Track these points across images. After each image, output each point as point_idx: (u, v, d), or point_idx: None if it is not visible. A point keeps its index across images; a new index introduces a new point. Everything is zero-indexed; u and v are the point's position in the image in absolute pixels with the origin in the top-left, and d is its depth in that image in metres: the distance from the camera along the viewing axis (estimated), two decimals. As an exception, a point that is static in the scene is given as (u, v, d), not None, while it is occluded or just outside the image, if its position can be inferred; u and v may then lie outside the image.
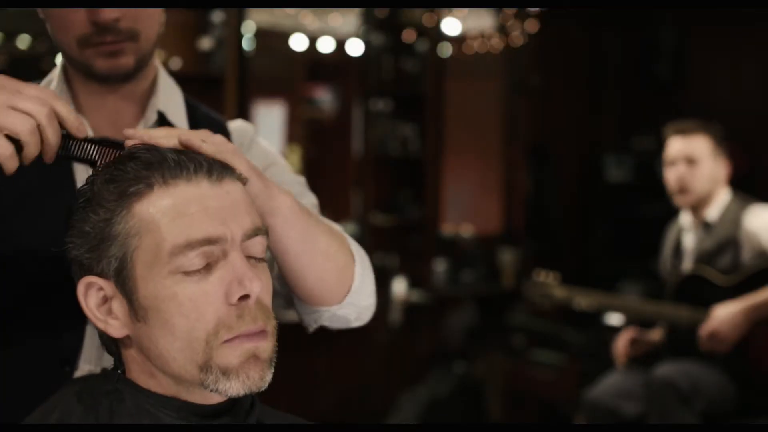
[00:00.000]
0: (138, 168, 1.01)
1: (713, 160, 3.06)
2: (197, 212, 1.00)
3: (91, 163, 1.14)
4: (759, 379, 2.95)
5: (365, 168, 4.63)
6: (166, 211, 1.00)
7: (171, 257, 0.99)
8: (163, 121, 1.41)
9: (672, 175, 3.07)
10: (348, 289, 1.30)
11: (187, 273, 1.00)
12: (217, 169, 1.04)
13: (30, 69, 3.56)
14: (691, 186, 3.04)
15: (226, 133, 1.45)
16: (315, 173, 5.10)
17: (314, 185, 5.18)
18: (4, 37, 3.53)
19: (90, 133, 1.29)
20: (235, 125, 1.50)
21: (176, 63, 3.80)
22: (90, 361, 1.31)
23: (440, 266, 4.84)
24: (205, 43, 3.91)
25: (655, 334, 3.19)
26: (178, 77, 3.97)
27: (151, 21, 1.34)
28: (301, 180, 1.49)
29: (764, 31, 5.12)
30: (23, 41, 3.54)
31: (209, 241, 1.00)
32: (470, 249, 5.05)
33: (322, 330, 4.14)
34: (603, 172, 5.47)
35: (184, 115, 1.44)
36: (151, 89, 1.42)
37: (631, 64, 5.60)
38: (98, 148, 1.14)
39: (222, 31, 3.90)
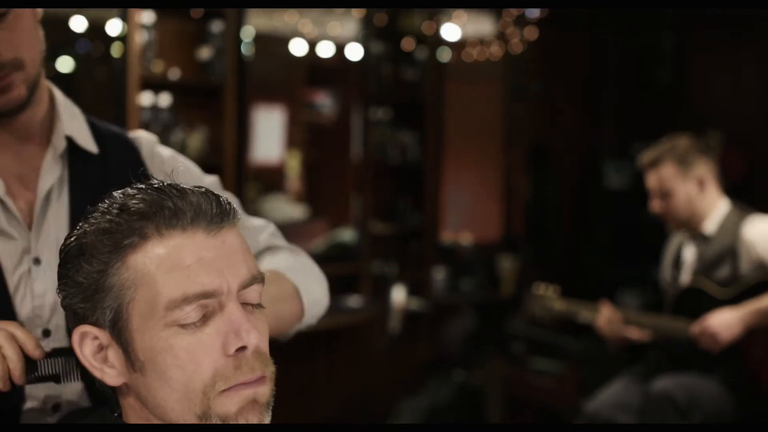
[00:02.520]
0: (132, 219, 1.01)
1: (683, 182, 3.06)
2: (193, 264, 1.00)
3: (56, 378, 1.16)
4: (757, 392, 2.95)
5: (365, 173, 4.62)
6: (161, 263, 1.00)
7: (167, 311, 0.99)
8: (72, 146, 1.36)
9: (654, 208, 3.12)
10: (298, 322, 1.40)
11: (184, 325, 1.00)
12: (217, 218, 1.03)
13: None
14: (672, 215, 3.10)
15: (131, 147, 1.41)
16: (315, 178, 5.10)
17: (314, 190, 5.12)
18: None
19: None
20: (139, 134, 1.45)
21: (175, 73, 3.80)
22: None
23: (439, 274, 4.84)
24: (204, 52, 3.91)
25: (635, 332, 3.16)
26: (178, 87, 3.94)
27: (32, 43, 1.29)
28: (214, 180, 1.48)
29: (764, 35, 5.11)
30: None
31: (205, 295, 1.00)
32: (469, 256, 5.05)
33: (322, 338, 4.27)
34: (603, 177, 5.47)
35: (90, 136, 1.38)
36: (51, 113, 1.36)
37: (631, 68, 5.60)
38: (62, 361, 1.16)
39: (221, 40, 3.89)
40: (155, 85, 3.72)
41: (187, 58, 3.90)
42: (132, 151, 1.40)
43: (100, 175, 1.35)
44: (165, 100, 3.76)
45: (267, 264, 1.40)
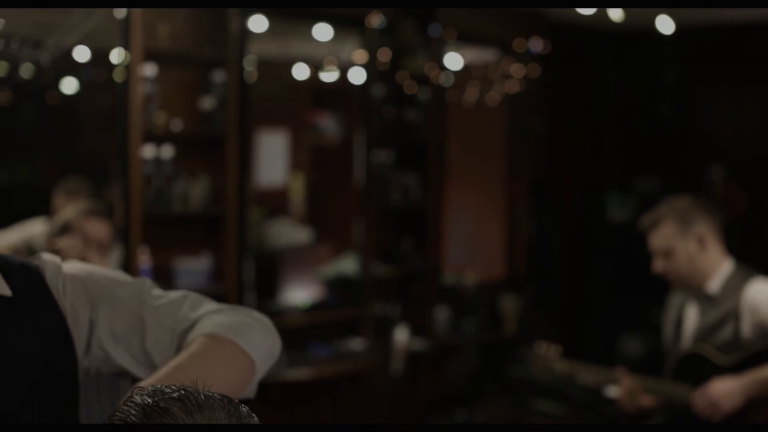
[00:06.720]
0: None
1: (683, 241, 3.05)
2: None
3: None
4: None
5: (367, 212, 4.61)
6: None
7: None
8: None
9: (657, 268, 3.10)
10: (251, 378, 1.36)
11: None
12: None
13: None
14: (674, 275, 3.07)
15: (36, 279, 1.32)
16: (319, 200, 5.11)
17: (318, 212, 5.08)
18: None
19: None
20: (44, 259, 1.36)
21: (178, 124, 3.80)
22: None
23: (442, 314, 4.84)
24: (207, 102, 3.91)
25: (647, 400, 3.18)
26: (181, 138, 3.87)
27: None
28: (134, 286, 1.39)
29: (765, 70, 5.11)
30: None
31: None
32: (472, 296, 5.05)
33: (325, 382, 4.30)
34: (605, 212, 5.47)
35: (1, 278, 1.29)
36: None
37: (634, 103, 5.59)
38: None
39: (223, 90, 3.89)
40: (158, 137, 3.73)
41: (190, 108, 3.90)
42: (38, 284, 1.32)
43: (12, 318, 1.27)
44: (167, 152, 3.77)
45: (200, 330, 1.34)
